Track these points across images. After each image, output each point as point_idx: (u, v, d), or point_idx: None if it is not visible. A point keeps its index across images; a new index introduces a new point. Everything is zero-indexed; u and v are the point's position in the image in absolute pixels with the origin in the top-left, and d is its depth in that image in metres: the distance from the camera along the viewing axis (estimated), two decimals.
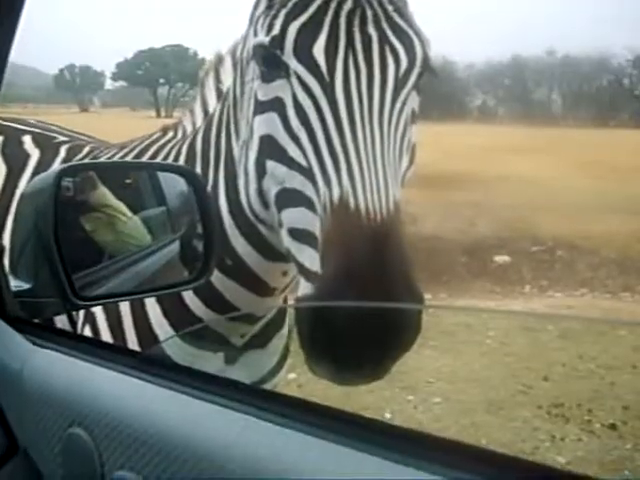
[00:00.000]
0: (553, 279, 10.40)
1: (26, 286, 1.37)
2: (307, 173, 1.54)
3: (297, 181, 1.56)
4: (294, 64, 1.59)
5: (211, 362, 2.17)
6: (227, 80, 2.30)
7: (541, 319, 7.78)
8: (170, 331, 2.17)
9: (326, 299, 1.40)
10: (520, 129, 31.86)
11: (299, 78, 1.59)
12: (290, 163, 1.58)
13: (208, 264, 1.68)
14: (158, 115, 61.46)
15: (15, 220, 1.45)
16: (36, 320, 1.53)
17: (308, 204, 1.53)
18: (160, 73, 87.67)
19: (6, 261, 1.47)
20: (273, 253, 1.96)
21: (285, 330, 2.41)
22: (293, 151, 1.58)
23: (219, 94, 2.32)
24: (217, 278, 2.00)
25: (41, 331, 1.43)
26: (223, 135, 2.06)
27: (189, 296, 2.12)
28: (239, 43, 2.25)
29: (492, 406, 5.71)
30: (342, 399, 4.66)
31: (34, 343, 1.36)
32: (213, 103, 2.32)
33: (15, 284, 1.40)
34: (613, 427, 5.35)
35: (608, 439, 5.20)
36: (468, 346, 7.16)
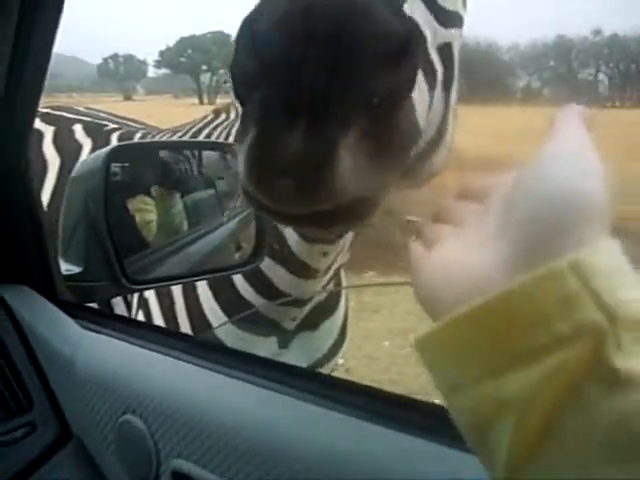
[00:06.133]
0: None
1: (77, 270, 1.34)
2: None
3: None
4: None
5: (264, 347, 2.14)
6: None
7: None
8: (222, 316, 2.14)
9: None
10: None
11: None
12: None
13: (260, 246, 1.62)
14: (201, 102, 61.73)
15: (65, 203, 1.42)
16: (87, 304, 1.51)
17: None
18: (202, 60, 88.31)
19: (58, 245, 1.45)
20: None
21: (340, 314, 2.36)
22: None
23: None
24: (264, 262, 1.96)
25: (93, 315, 1.41)
26: None
27: (239, 280, 2.09)
28: None
29: None
30: (391, 384, 4.65)
31: (86, 328, 1.33)
32: None
33: (65, 268, 1.37)
34: None
35: None
36: None
